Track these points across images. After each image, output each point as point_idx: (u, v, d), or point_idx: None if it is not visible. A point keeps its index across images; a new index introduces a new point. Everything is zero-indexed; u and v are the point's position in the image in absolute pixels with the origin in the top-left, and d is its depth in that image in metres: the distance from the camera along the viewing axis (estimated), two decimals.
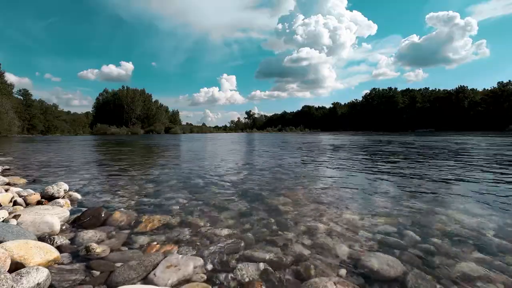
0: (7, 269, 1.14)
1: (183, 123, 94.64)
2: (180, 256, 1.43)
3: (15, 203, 2.27)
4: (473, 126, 53.16)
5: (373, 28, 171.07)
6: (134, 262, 1.35)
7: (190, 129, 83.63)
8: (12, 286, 1.02)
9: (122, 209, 2.29)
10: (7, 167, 4.83)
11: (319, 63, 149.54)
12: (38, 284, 1.09)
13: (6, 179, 3.28)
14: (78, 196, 2.69)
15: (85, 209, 2.20)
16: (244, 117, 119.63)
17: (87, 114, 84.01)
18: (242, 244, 1.61)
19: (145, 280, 1.23)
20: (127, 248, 1.56)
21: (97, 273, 1.29)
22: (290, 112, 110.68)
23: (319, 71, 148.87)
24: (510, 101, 52.67)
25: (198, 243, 1.63)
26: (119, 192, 2.95)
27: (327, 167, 4.97)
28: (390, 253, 1.47)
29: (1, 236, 1.41)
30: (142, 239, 1.68)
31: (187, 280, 1.24)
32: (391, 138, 17.92)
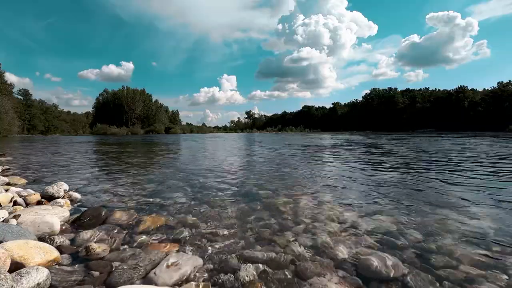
0: (7, 269, 1.14)
1: (183, 123, 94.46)
2: (180, 255, 1.43)
3: (15, 203, 2.27)
4: (473, 126, 53.09)
5: (373, 28, 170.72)
6: (134, 262, 1.35)
7: (190, 129, 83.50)
8: (12, 286, 1.01)
9: (122, 209, 2.29)
10: (7, 167, 4.83)
11: (320, 63, 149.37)
12: (38, 284, 1.09)
13: (6, 179, 3.28)
14: (78, 196, 2.69)
15: (85, 209, 2.20)
16: (244, 117, 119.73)
17: (87, 114, 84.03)
18: (242, 244, 1.61)
19: (145, 279, 1.23)
20: (127, 248, 1.56)
21: (97, 273, 1.29)
22: (290, 112, 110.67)
23: (319, 71, 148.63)
24: (510, 101, 52.64)
25: (198, 243, 1.63)
26: (119, 192, 2.95)
27: (327, 167, 4.97)
28: (390, 253, 1.47)
29: (1, 236, 1.41)
30: (142, 239, 1.68)
31: (187, 280, 1.24)
32: (391, 138, 17.92)
